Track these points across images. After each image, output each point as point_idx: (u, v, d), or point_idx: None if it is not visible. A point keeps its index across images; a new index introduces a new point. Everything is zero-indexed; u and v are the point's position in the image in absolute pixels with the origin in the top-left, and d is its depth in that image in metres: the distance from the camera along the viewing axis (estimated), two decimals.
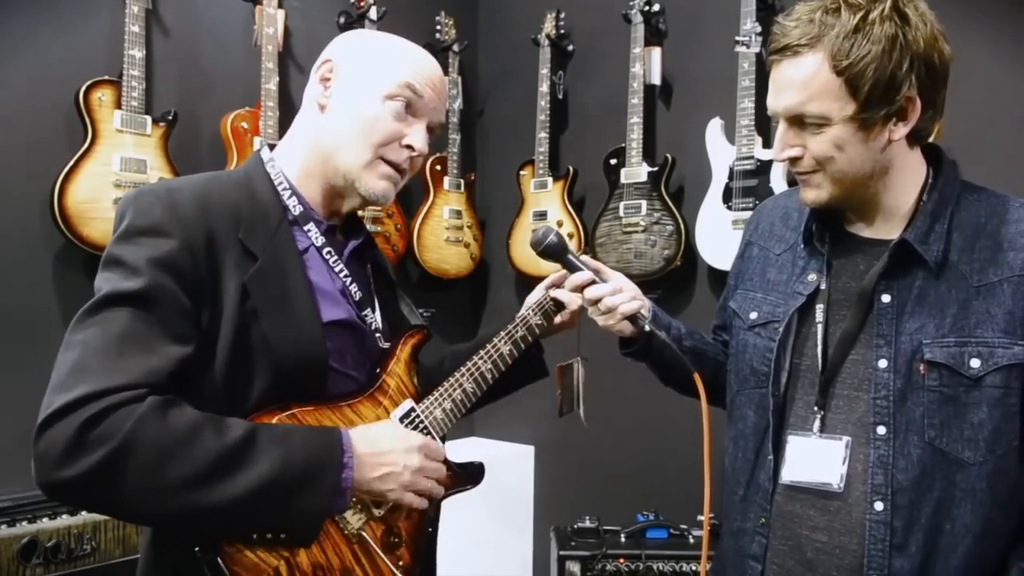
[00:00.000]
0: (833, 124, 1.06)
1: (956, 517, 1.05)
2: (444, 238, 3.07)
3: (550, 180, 2.97)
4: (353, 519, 1.04)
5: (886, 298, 1.12)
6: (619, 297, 1.29)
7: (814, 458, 1.13)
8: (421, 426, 1.15)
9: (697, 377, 1.21)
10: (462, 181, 3.14)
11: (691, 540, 2.29)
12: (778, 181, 2.36)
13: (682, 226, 2.60)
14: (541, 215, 2.98)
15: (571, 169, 2.96)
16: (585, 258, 1.34)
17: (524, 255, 2.98)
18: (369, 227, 2.39)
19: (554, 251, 1.32)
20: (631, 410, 2.75)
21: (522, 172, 3.05)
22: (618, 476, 2.89)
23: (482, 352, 1.28)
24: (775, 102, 1.11)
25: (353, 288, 1.14)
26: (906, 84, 1.04)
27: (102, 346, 0.90)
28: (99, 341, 0.90)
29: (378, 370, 1.14)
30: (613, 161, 2.75)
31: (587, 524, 2.35)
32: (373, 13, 2.75)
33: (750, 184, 2.40)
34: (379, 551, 1.06)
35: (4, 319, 2.05)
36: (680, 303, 2.73)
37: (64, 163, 2.05)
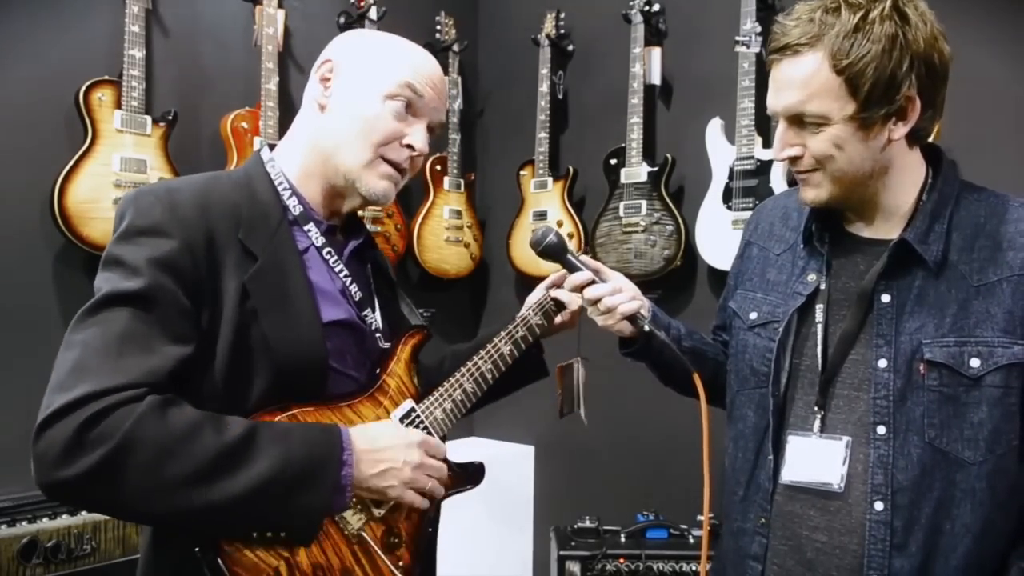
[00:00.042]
0: (833, 123, 1.06)
1: (956, 517, 1.05)
2: (444, 238, 3.07)
3: (550, 180, 2.97)
4: (353, 519, 1.04)
5: (886, 298, 1.12)
6: (618, 297, 1.29)
7: (814, 458, 1.13)
8: (421, 426, 1.15)
9: (697, 377, 1.21)
10: (462, 181, 3.14)
11: (691, 540, 2.29)
12: (778, 181, 2.36)
13: (682, 226, 2.60)
14: (541, 215, 2.98)
15: (571, 169, 2.96)
16: (584, 258, 1.34)
17: (524, 255, 2.98)
18: (369, 227, 2.39)
19: (553, 251, 1.32)
20: (631, 410, 2.75)
21: (522, 172, 3.05)
22: (618, 476, 2.89)
23: (482, 352, 1.28)
24: (775, 101, 1.11)
25: (353, 288, 1.14)
26: (906, 84, 1.04)
27: (102, 346, 0.90)
28: (99, 341, 0.90)
29: (378, 370, 1.14)
30: (613, 161, 2.75)
31: (587, 524, 2.35)
32: (373, 13, 2.75)
33: (750, 184, 2.40)
34: (379, 551, 1.06)
35: (4, 319, 2.05)
36: (680, 303, 2.73)
37: (64, 163, 2.05)
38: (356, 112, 1.09)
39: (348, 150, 1.09)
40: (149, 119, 2.19)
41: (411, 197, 3.06)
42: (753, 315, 1.25)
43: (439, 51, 3.05)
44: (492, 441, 3.29)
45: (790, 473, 1.15)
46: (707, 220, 2.51)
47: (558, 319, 1.44)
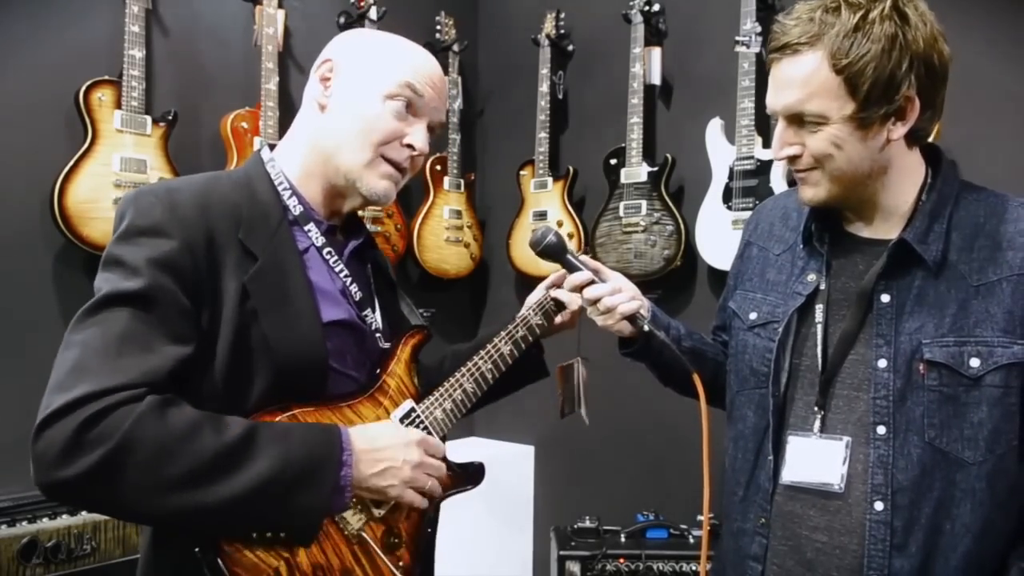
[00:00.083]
0: (832, 123, 1.06)
1: (956, 517, 1.05)
2: (444, 238, 3.07)
3: (550, 180, 2.97)
4: (353, 519, 1.04)
5: (885, 298, 1.12)
6: (618, 297, 1.29)
7: (814, 458, 1.13)
8: (421, 426, 1.15)
9: (696, 377, 1.21)
10: (462, 181, 3.14)
11: (691, 540, 2.29)
12: (778, 181, 2.36)
13: (682, 226, 2.60)
14: (541, 215, 2.98)
15: (571, 169, 2.96)
16: (584, 258, 1.34)
17: (524, 255, 2.98)
18: (369, 227, 2.39)
19: (553, 251, 1.32)
20: (631, 410, 2.75)
21: (522, 172, 3.05)
22: (618, 476, 2.89)
23: (482, 352, 1.28)
24: (774, 100, 1.11)
25: (353, 288, 1.14)
26: (905, 84, 1.04)
27: (102, 346, 0.90)
28: (99, 341, 0.90)
29: (378, 370, 1.14)
30: (613, 161, 2.75)
31: (587, 524, 2.35)
32: (373, 13, 2.75)
33: (750, 184, 2.40)
34: (379, 551, 1.06)
35: (4, 319, 2.05)
36: (680, 303, 2.73)
37: (64, 163, 2.05)
38: (356, 112, 1.09)
39: (348, 150, 1.09)
40: (149, 119, 2.19)
41: (411, 197, 3.06)
42: (753, 315, 1.25)
43: (439, 51, 3.05)
44: (492, 441, 3.29)
45: (790, 473, 1.15)
46: (707, 220, 2.51)
47: (558, 319, 1.44)
